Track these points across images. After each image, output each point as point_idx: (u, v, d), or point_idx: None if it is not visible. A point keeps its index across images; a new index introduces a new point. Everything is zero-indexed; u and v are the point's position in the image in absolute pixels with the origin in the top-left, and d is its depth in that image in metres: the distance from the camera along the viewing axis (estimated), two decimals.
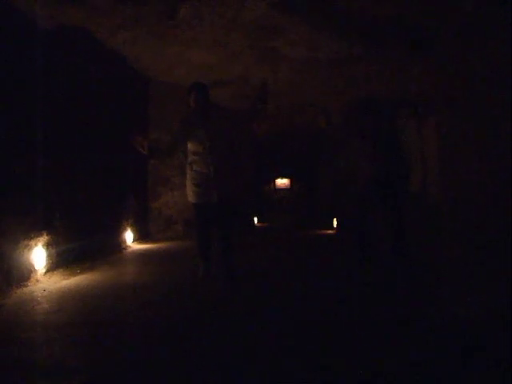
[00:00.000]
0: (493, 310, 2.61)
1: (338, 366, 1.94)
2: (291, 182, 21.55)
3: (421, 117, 5.09)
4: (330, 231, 8.99)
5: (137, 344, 2.26)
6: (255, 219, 11.60)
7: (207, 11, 4.08)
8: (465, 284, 3.22)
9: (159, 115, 6.96)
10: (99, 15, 4.13)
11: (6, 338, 2.33)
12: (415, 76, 5.02)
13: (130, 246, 6.03)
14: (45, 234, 3.95)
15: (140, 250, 5.91)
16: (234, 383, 1.82)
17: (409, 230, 4.21)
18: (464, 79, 3.42)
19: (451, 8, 3.53)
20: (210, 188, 3.50)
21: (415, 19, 3.99)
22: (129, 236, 6.14)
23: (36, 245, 3.78)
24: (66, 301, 3.08)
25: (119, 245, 5.79)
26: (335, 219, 8.92)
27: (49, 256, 3.97)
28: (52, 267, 4.03)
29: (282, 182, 21.83)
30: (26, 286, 3.51)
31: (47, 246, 3.97)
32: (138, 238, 6.55)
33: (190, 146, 3.56)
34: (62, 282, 3.72)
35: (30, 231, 3.72)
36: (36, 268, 3.73)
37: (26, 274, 3.61)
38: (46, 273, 3.89)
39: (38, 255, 3.77)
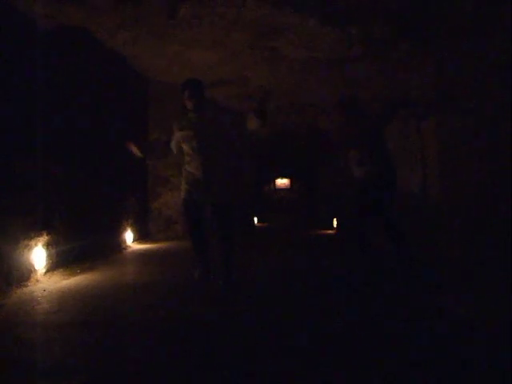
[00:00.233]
0: (493, 310, 2.60)
1: (338, 366, 1.94)
2: (291, 181, 21.58)
3: (421, 117, 5.09)
4: (330, 231, 8.99)
5: (137, 344, 2.26)
6: (255, 219, 11.61)
7: (207, 11, 4.08)
8: (465, 284, 3.22)
9: (159, 115, 6.97)
10: (99, 15, 4.13)
11: (6, 338, 2.33)
12: (415, 76, 5.02)
13: (129, 246, 6.03)
14: (45, 234, 3.95)
15: (140, 249, 5.92)
16: (233, 383, 1.82)
17: (409, 230, 4.21)
18: (464, 79, 3.42)
19: (451, 8, 3.53)
20: (200, 189, 3.41)
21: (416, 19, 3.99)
22: (129, 236, 6.14)
23: (36, 245, 3.78)
24: (65, 301, 3.08)
25: (119, 245, 5.79)
26: (335, 219, 8.93)
27: (49, 256, 3.97)
28: (52, 267, 4.03)
29: (281, 181, 21.87)
30: (26, 285, 3.51)
31: (47, 246, 3.97)
32: (138, 238, 6.55)
33: (183, 146, 3.49)
34: (61, 281, 3.72)
35: (30, 231, 3.72)
36: (36, 268, 3.73)
37: (26, 274, 3.61)
38: (46, 273, 3.89)
39: (37, 255, 3.77)
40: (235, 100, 7.28)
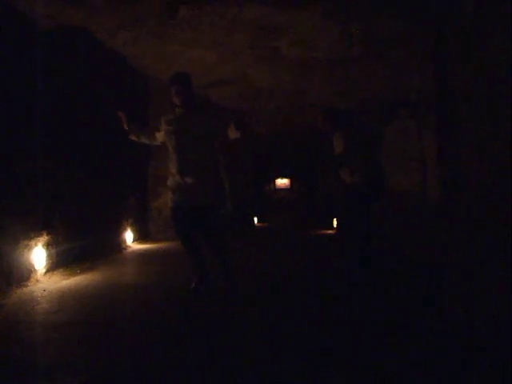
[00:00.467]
0: (493, 310, 2.60)
1: (338, 366, 1.94)
2: (291, 181, 21.56)
3: (421, 117, 5.09)
4: (330, 231, 8.99)
5: (137, 344, 2.26)
6: (255, 219, 11.62)
7: (207, 11, 4.08)
8: (465, 284, 3.22)
9: (159, 114, 6.94)
10: (99, 15, 4.13)
11: (6, 338, 2.33)
12: (415, 76, 5.02)
13: (129, 246, 6.03)
14: (45, 234, 3.95)
15: (140, 250, 5.91)
16: (233, 383, 1.82)
17: (409, 230, 4.21)
18: (464, 79, 3.42)
19: (451, 8, 3.53)
20: (181, 192, 3.22)
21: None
22: (129, 236, 6.14)
23: (36, 245, 3.78)
24: (65, 301, 3.08)
25: (119, 245, 5.79)
26: (335, 219, 8.93)
27: (49, 256, 3.96)
28: (52, 267, 4.03)
29: (281, 181, 21.86)
30: (26, 285, 3.51)
31: (47, 245, 3.97)
32: (138, 238, 6.55)
33: (167, 142, 3.38)
34: (61, 281, 3.72)
35: (30, 231, 3.72)
36: (36, 268, 3.73)
37: (26, 274, 3.61)
38: (46, 273, 3.89)
39: (37, 255, 3.77)
40: (235, 100, 7.28)
